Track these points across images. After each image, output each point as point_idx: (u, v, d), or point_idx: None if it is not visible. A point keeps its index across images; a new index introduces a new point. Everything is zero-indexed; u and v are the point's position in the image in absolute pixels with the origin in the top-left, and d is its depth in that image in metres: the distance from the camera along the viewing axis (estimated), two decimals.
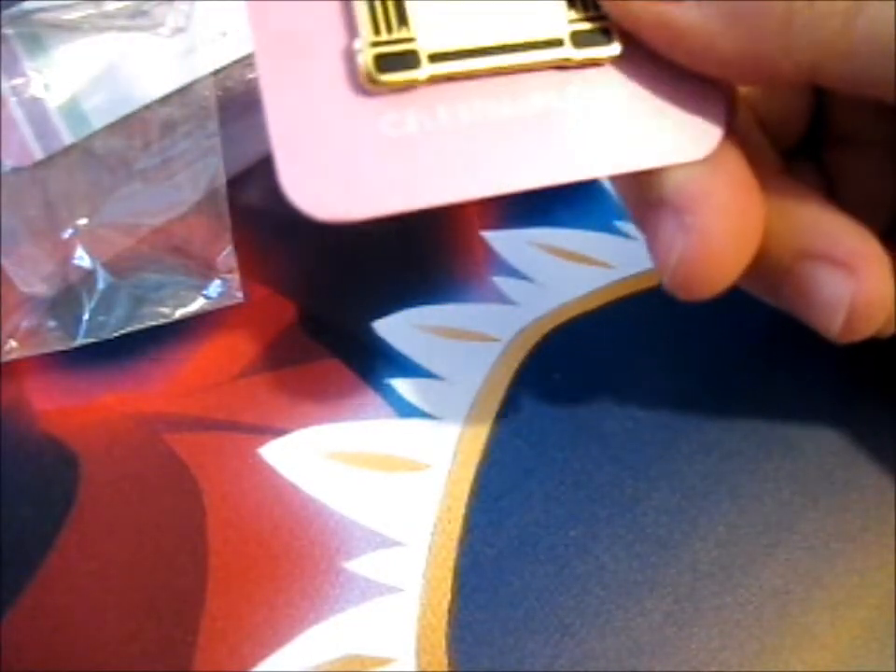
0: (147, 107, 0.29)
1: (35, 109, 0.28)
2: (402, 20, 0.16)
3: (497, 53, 0.16)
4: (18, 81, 0.28)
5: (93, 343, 0.27)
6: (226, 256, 0.27)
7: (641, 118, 0.16)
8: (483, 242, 0.28)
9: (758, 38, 0.15)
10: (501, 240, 0.27)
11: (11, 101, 0.28)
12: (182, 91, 0.29)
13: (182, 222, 0.28)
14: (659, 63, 0.16)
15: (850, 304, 0.17)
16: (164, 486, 0.24)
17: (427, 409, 0.25)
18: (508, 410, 0.24)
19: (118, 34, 0.29)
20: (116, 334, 0.27)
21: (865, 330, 0.18)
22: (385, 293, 0.27)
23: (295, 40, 0.15)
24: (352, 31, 0.15)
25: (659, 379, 0.25)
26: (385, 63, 0.15)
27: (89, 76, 0.28)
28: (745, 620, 0.21)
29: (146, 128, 0.29)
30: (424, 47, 0.16)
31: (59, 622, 0.22)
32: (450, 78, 0.16)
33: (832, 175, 0.22)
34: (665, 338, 0.25)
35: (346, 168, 0.15)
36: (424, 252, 0.27)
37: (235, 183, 0.29)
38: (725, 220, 0.16)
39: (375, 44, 0.15)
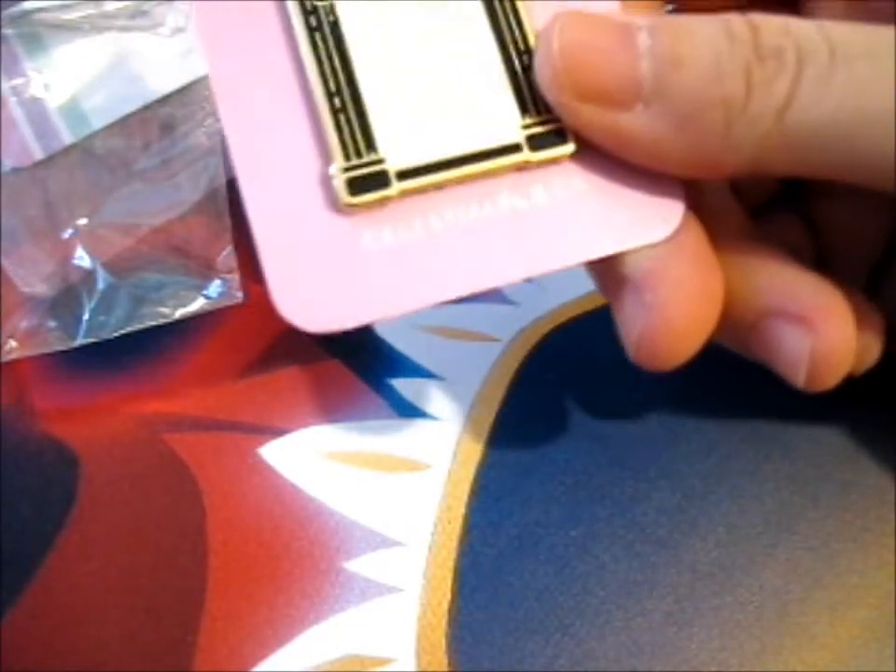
0: (147, 107, 0.29)
1: (35, 109, 0.28)
2: (370, 144, 0.17)
3: (462, 164, 0.17)
4: (18, 81, 0.28)
5: (93, 343, 0.27)
6: (226, 256, 0.27)
7: (602, 207, 0.17)
8: None
9: (702, 140, 0.16)
10: None
11: (11, 101, 0.28)
12: (182, 91, 0.29)
13: (182, 222, 0.28)
14: (615, 154, 0.17)
15: (811, 358, 0.18)
16: (164, 486, 0.24)
17: (427, 409, 0.25)
18: (508, 410, 0.24)
19: (118, 34, 0.29)
20: (116, 334, 0.27)
21: (830, 379, 0.18)
22: None
23: (275, 169, 0.17)
24: (326, 157, 0.17)
25: (659, 379, 0.25)
26: (358, 185, 0.16)
27: (89, 76, 0.28)
28: (745, 620, 0.21)
29: (146, 128, 0.29)
30: (392, 166, 0.17)
31: (59, 622, 0.22)
32: (420, 191, 0.17)
33: (816, 224, 0.22)
34: None
35: (333, 284, 0.17)
36: None
37: (235, 183, 0.29)
38: (683, 297, 0.17)
39: (347, 169, 0.16)
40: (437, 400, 0.25)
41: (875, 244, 0.22)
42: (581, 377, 0.25)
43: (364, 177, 0.17)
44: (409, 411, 0.25)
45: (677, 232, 0.17)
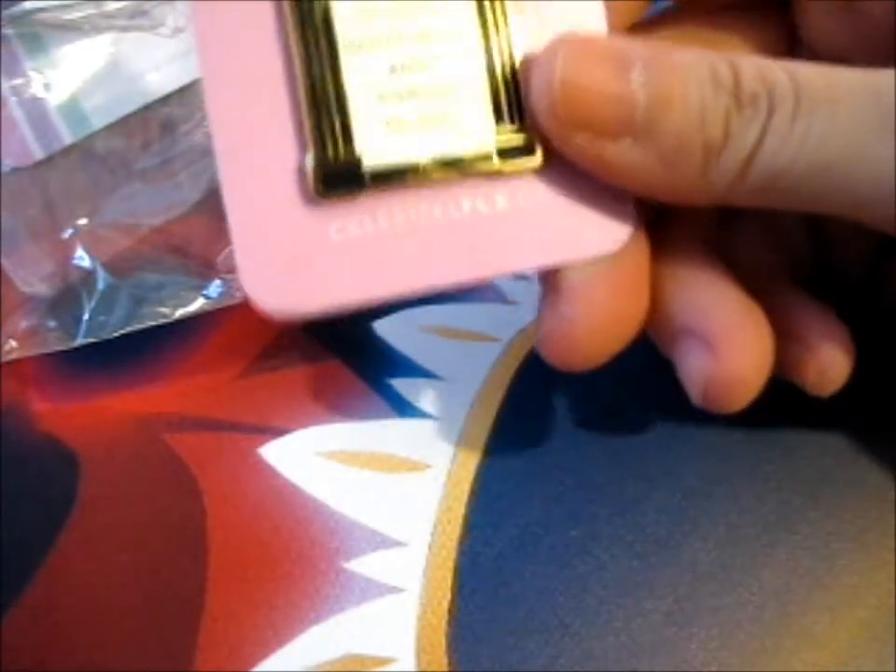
0: (147, 107, 0.29)
1: (35, 109, 0.28)
2: (348, 140, 0.17)
3: (433, 168, 0.18)
4: (18, 81, 0.28)
5: (93, 343, 0.27)
6: (226, 256, 0.27)
7: (558, 220, 0.18)
8: None
9: (680, 177, 0.17)
10: None
11: (11, 101, 0.28)
12: (182, 91, 0.29)
13: (182, 222, 0.28)
14: (576, 173, 0.18)
15: (706, 380, 0.19)
16: (164, 487, 0.24)
17: (427, 409, 0.25)
18: (508, 410, 0.24)
19: (118, 34, 0.29)
20: (116, 334, 0.27)
21: (727, 404, 0.19)
22: None
23: (255, 155, 0.17)
24: (304, 148, 0.17)
25: (659, 379, 0.25)
26: (332, 179, 0.17)
27: (89, 76, 0.28)
28: (745, 620, 0.21)
29: (146, 128, 0.29)
30: (366, 164, 0.17)
31: (59, 622, 0.22)
32: (389, 189, 0.18)
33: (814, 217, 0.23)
34: None
35: (298, 271, 0.17)
36: None
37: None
38: (593, 319, 0.19)
39: (323, 162, 0.17)
40: (437, 400, 0.25)
41: (871, 237, 0.22)
42: (581, 377, 0.25)
43: (338, 173, 0.17)
44: (409, 411, 0.25)
45: (618, 252, 0.18)
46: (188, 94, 0.29)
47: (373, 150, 0.17)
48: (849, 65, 0.18)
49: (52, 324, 0.27)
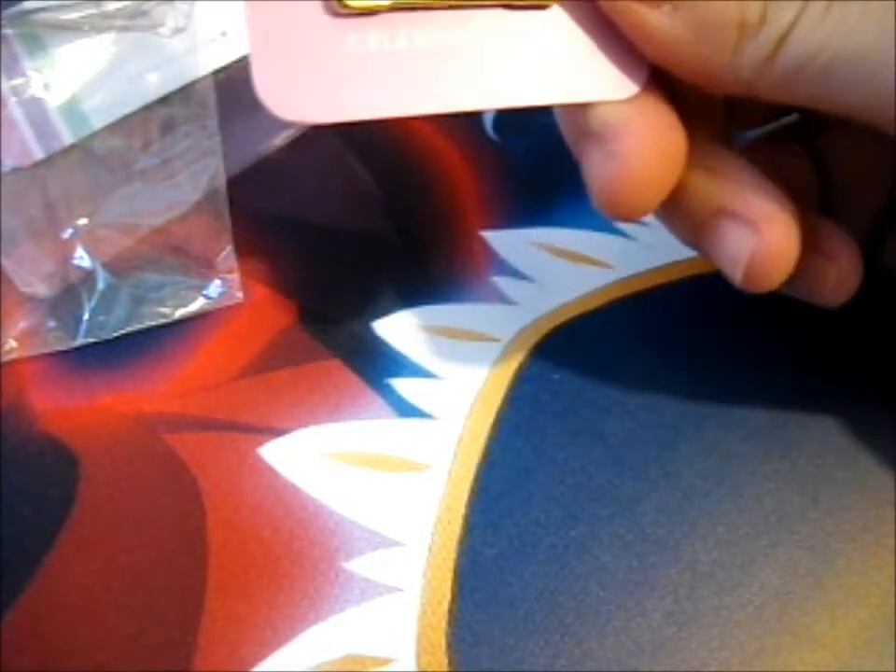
0: (147, 107, 0.29)
1: (35, 109, 0.28)
2: None
3: None
4: (18, 81, 0.28)
5: (93, 343, 0.27)
6: (226, 256, 0.27)
7: (576, 58, 0.19)
8: (483, 242, 0.28)
9: (711, 54, 0.18)
10: (501, 240, 0.27)
11: (11, 101, 0.28)
12: (182, 91, 0.29)
13: (182, 222, 0.28)
14: (598, 12, 0.18)
15: (750, 258, 0.19)
16: (164, 486, 0.24)
17: (426, 409, 0.25)
18: (508, 410, 0.24)
19: (118, 34, 0.29)
20: (116, 334, 0.27)
21: (767, 282, 0.20)
22: (385, 293, 0.27)
23: None
24: None
25: (659, 379, 0.25)
26: None
27: (89, 76, 0.28)
28: (745, 620, 0.21)
29: (146, 128, 0.29)
30: None
31: (59, 622, 0.22)
32: (409, 8, 0.18)
33: (823, 164, 0.23)
34: (664, 338, 0.25)
35: (313, 77, 0.18)
36: (424, 252, 0.27)
37: (235, 183, 0.29)
38: (644, 147, 0.19)
39: None
40: (437, 400, 0.25)
41: (877, 193, 0.22)
42: (581, 377, 0.25)
43: None
44: (408, 411, 0.25)
45: (637, 95, 0.19)
46: (188, 94, 0.29)
47: None
48: None
49: (52, 324, 0.27)
